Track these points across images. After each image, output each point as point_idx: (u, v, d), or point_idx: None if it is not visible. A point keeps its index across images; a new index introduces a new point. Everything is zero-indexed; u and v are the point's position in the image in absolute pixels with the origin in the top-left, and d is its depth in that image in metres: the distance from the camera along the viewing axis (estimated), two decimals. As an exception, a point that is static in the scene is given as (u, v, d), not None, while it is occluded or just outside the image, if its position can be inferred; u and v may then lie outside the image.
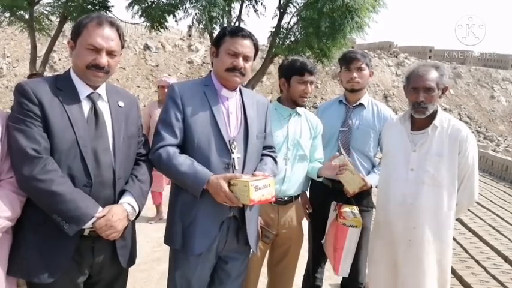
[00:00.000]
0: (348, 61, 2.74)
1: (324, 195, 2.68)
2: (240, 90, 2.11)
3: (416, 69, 2.27)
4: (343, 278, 2.78)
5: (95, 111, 1.75)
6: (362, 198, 2.70)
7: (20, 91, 1.66)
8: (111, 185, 1.76)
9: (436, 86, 2.21)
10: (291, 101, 2.49)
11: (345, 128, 2.75)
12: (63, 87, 1.73)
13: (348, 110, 2.80)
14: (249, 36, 1.99)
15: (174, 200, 2.04)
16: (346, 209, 2.49)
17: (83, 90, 1.76)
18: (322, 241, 2.65)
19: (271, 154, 2.19)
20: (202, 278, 2.04)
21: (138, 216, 1.87)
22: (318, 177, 2.55)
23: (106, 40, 1.71)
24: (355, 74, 2.72)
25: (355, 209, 2.51)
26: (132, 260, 1.94)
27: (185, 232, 1.96)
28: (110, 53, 1.74)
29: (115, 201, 1.77)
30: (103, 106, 1.80)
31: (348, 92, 2.81)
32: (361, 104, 2.80)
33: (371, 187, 2.67)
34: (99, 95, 1.80)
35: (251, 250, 2.14)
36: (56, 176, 1.61)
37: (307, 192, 2.83)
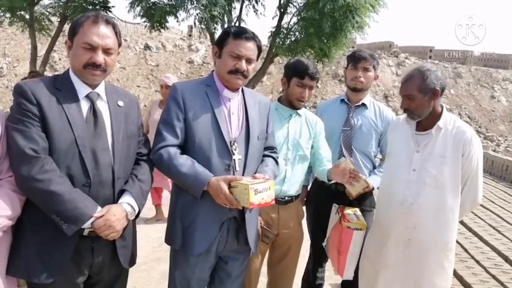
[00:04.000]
0: (355, 60, 2.73)
1: (325, 196, 2.67)
2: (242, 90, 2.10)
3: (403, 75, 2.29)
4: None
5: (93, 110, 1.75)
6: (365, 199, 2.70)
7: (19, 91, 1.66)
8: (111, 185, 1.75)
9: (417, 92, 2.18)
10: (288, 101, 2.48)
11: (347, 127, 2.73)
12: (61, 87, 1.72)
13: (349, 110, 2.78)
14: (253, 38, 1.97)
15: (175, 201, 2.04)
16: (349, 211, 2.47)
17: (82, 89, 1.75)
18: (323, 244, 2.64)
19: (273, 155, 2.18)
20: (202, 278, 2.04)
21: (137, 216, 1.86)
22: (329, 180, 2.48)
23: (102, 38, 1.71)
24: (360, 74, 2.71)
25: (358, 211, 2.50)
26: (132, 260, 1.94)
27: (185, 232, 1.96)
28: (107, 51, 1.73)
29: (114, 201, 1.76)
30: (102, 106, 1.79)
31: (350, 91, 2.80)
32: (363, 104, 2.79)
33: (373, 189, 2.65)
34: (98, 94, 1.79)
35: (251, 250, 2.14)
36: (54, 176, 1.61)
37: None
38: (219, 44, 2.01)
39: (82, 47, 1.70)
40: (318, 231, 2.71)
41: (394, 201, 2.31)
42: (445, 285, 2.27)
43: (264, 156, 2.14)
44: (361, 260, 2.49)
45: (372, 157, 2.79)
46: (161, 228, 2.24)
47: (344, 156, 2.66)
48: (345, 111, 2.78)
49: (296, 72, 2.41)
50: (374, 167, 2.81)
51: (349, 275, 2.48)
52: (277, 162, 2.19)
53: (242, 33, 1.96)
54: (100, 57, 1.71)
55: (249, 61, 1.97)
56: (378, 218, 2.48)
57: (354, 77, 2.73)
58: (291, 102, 2.46)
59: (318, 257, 2.90)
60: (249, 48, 1.96)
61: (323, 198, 2.68)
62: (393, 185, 2.34)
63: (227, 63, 1.96)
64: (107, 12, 11.32)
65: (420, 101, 2.20)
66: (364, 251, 2.48)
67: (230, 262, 2.09)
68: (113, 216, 1.69)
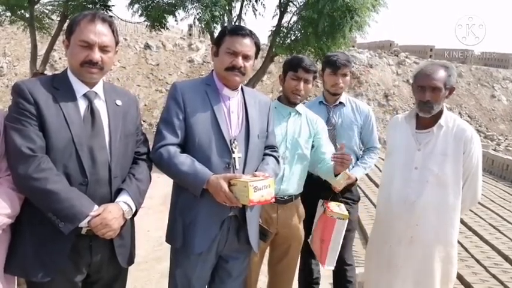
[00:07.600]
0: (335, 67, 2.80)
1: (315, 192, 2.66)
2: (242, 89, 2.10)
3: (425, 67, 2.26)
4: (333, 273, 2.87)
5: (91, 109, 1.75)
6: (346, 192, 2.80)
7: (17, 91, 1.67)
8: (107, 184, 1.75)
9: (443, 86, 2.20)
10: (285, 97, 2.50)
11: (329, 127, 2.82)
12: (59, 86, 1.73)
13: (329, 110, 2.91)
14: (249, 34, 1.98)
15: (175, 200, 2.04)
16: (332, 203, 2.55)
17: (80, 88, 1.75)
18: (308, 240, 2.65)
19: (274, 154, 2.18)
20: (202, 277, 2.04)
21: (135, 215, 1.86)
22: (336, 175, 2.39)
23: (98, 35, 1.71)
24: (340, 80, 2.82)
25: (342, 205, 2.57)
26: (131, 260, 1.94)
27: (186, 231, 1.96)
28: (103, 49, 1.73)
29: (111, 199, 1.76)
30: (100, 104, 1.79)
31: (329, 94, 2.91)
32: (340, 103, 2.92)
33: (356, 180, 2.78)
34: (96, 93, 1.79)
35: (252, 250, 2.13)
36: (50, 175, 1.61)
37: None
38: (216, 43, 2.03)
39: (79, 45, 1.70)
40: (307, 226, 2.72)
41: (396, 200, 2.32)
42: (447, 282, 2.28)
43: (265, 155, 2.14)
44: (365, 259, 2.51)
45: (356, 150, 2.92)
46: (161, 227, 2.24)
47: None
48: (325, 111, 2.90)
49: (290, 67, 2.45)
50: (357, 159, 2.94)
51: (330, 264, 2.49)
52: (278, 161, 2.19)
53: (238, 30, 1.98)
54: (96, 55, 1.71)
55: (245, 57, 1.98)
56: (379, 217, 2.49)
57: (335, 84, 2.83)
58: (287, 98, 2.47)
59: (306, 251, 2.91)
60: (245, 44, 1.96)
61: (313, 194, 2.68)
62: (394, 183, 2.35)
63: (224, 60, 1.97)
64: (107, 11, 11.32)
65: (442, 96, 2.22)
66: (367, 250, 2.49)
67: (231, 261, 2.09)
68: (109, 215, 1.69)
